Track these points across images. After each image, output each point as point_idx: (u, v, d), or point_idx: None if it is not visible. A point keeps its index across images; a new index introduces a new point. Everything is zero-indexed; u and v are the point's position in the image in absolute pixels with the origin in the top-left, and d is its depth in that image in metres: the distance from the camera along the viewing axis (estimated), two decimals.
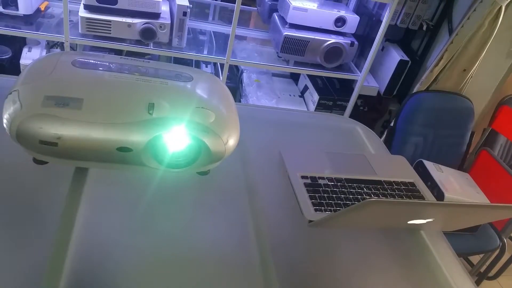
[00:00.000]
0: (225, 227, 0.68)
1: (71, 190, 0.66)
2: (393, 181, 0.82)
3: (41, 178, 0.67)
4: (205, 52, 1.92)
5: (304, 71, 1.97)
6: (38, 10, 1.80)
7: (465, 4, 1.84)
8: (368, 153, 0.92)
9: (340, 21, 1.91)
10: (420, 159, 1.73)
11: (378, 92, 2.13)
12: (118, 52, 1.84)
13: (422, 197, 0.81)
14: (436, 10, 2.05)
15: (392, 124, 1.87)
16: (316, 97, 2.04)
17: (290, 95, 2.20)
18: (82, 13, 1.62)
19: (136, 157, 0.66)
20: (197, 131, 0.67)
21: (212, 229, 0.66)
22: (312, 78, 2.16)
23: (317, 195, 0.73)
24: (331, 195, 0.74)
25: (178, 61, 2.03)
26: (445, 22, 2.02)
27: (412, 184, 0.83)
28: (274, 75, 2.33)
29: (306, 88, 2.19)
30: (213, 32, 2.15)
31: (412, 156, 1.85)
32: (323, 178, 0.78)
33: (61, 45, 1.96)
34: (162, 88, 0.73)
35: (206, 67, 2.11)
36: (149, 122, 0.66)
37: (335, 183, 0.77)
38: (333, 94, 2.05)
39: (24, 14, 1.70)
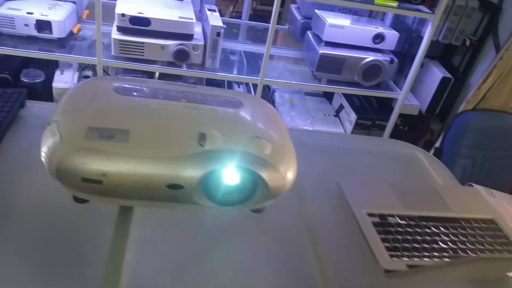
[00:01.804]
0: (285, 272, 0.59)
1: (116, 231, 0.59)
2: (471, 218, 0.72)
3: (82, 218, 0.60)
4: (235, 72, 1.86)
5: (341, 90, 1.89)
6: (71, 33, 1.79)
7: None
8: (438, 185, 0.82)
9: (379, 37, 1.82)
10: (470, 183, 1.61)
11: (419, 111, 2.03)
12: (151, 74, 1.80)
13: (506, 237, 0.70)
14: (478, 24, 1.95)
15: (438, 145, 1.75)
16: (353, 116, 1.94)
17: (324, 114, 2.12)
18: (115, 35, 1.59)
19: (187, 194, 0.59)
20: (253, 164, 0.59)
21: (270, 275, 0.58)
22: (347, 96, 2.07)
23: (389, 237, 0.64)
24: (405, 236, 0.65)
25: (211, 81, 1.99)
26: (490, 36, 1.91)
27: (492, 221, 0.73)
28: (307, 94, 2.26)
29: (341, 107, 2.10)
30: (244, 52, 2.10)
31: (460, 179, 1.71)
32: (392, 216, 0.68)
33: (92, 67, 1.94)
34: (212, 116, 0.66)
35: (239, 87, 2.06)
36: (202, 155, 0.58)
37: (408, 222, 0.68)
38: (371, 114, 1.95)
39: (57, 38, 1.68)
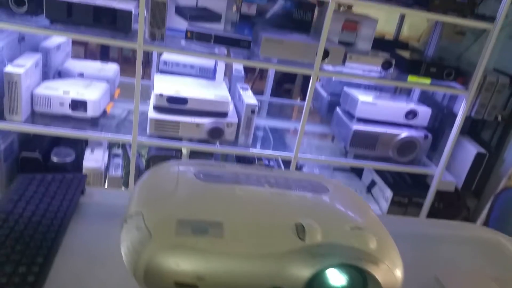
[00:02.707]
0: None
1: None
2: None
3: None
4: (259, 146, 1.83)
5: (377, 166, 1.84)
6: (103, 112, 1.79)
7: None
8: None
9: (411, 113, 1.82)
10: None
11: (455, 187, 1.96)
12: (180, 151, 1.77)
13: None
14: (508, 98, 1.96)
15: (481, 224, 1.66)
16: (389, 193, 1.88)
17: (356, 191, 2.04)
18: (152, 114, 1.58)
19: None
20: (363, 262, 0.52)
21: None
22: (379, 172, 2.02)
23: None
24: None
25: (241, 158, 1.95)
26: None
27: None
28: (335, 169, 2.21)
29: (373, 183, 2.04)
30: (268, 127, 2.10)
31: None
32: None
33: (122, 146, 1.92)
34: (303, 203, 0.60)
35: (268, 162, 2.02)
36: (306, 252, 0.51)
37: None
38: (407, 190, 1.89)
39: (91, 117, 1.68)
